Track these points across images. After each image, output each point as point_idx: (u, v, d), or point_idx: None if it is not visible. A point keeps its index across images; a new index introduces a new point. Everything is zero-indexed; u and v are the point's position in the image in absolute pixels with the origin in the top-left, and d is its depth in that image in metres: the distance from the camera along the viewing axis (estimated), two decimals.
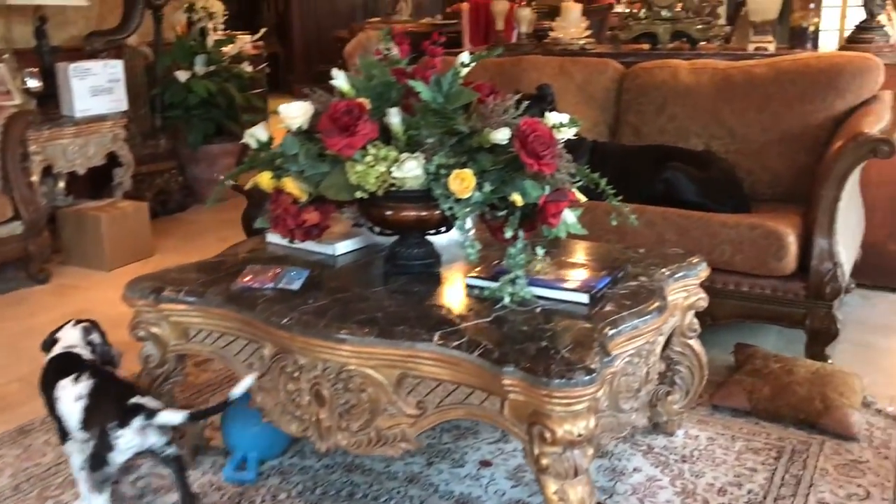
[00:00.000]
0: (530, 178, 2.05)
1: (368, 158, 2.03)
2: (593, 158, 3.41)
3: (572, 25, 4.21)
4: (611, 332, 1.84)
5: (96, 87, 4.60)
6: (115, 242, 4.33)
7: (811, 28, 3.80)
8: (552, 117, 2.14)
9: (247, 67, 5.89)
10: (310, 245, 2.40)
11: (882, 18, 7.01)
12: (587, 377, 1.63)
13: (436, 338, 1.80)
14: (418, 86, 2.02)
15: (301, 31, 12.53)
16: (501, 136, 1.99)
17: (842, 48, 3.71)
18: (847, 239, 2.99)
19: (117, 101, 4.69)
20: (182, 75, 5.33)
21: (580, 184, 2.16)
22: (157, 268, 2.49)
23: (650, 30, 4.09)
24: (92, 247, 4.31)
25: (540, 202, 2.04)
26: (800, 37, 3.84)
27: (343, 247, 2.44)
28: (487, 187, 2.04)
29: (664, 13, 4.05)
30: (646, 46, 4.25)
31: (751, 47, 3.87)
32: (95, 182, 4.92)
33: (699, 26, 4.02)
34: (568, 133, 2.14)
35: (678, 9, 4.09)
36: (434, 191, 2.03)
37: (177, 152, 5.66)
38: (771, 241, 2.82)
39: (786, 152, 3.32)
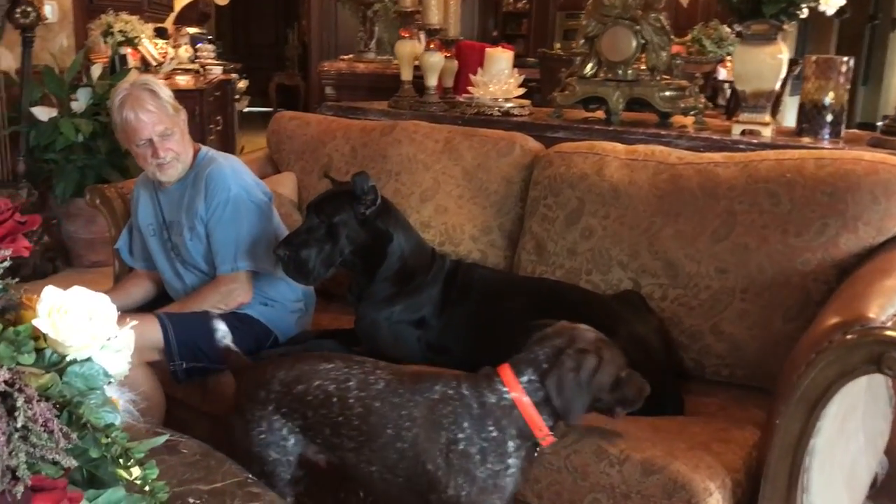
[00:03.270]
0: None
1: None
2: (449, 288, 2.17)
3: (495, 81, 2.99)
4: None
5: None
6: None
7: (832, 106, 2.51)
8: None
9: None
10: None
11: None
12: None
13: None
14: None
15: (318, 63, 11.54)
16: None
17: (870, 143, 2.38)
18: (837, 494, 1.68)
19: None
20: (42, 112, 4.29)
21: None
22: None
23: (599, 93, 2.84)
24: None
25: None
26: (814, 119, 2.55)
27: None
28: None
29: (619, 72, 2.79)
30: (599, 115, 3.00)
31: (736, 130, 2.58)
32: None
33: (666, 93, 2.74)
34: None
35: (642, 67, 2.83)
36: None
37: (48, 205, 4.61)
38: (676, 501, 1.53)
39: (754, 311, 2.01)
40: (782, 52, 2.53)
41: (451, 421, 1.52)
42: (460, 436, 1.50)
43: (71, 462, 0.89)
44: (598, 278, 2.23)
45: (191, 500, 1.32)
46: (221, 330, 1.86)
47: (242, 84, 8.70)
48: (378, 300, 2.13)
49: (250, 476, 1.41)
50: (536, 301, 2.07)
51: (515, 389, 1.51)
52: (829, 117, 2.52)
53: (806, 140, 2.50)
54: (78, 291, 0.92)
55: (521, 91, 3.08)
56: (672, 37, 2.72)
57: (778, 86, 2.58)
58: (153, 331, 2.12)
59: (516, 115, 3.00)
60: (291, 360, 1.75)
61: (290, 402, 1.67)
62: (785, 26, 2.50)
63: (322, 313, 2.55)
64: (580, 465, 1.65)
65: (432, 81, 3.19)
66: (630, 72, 2.81)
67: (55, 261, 4.56)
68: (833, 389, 1.47)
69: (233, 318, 2.25)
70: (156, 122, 2.20)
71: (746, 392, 2.00)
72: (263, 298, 2.33)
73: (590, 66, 2.86)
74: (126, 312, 2.25)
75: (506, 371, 1.55)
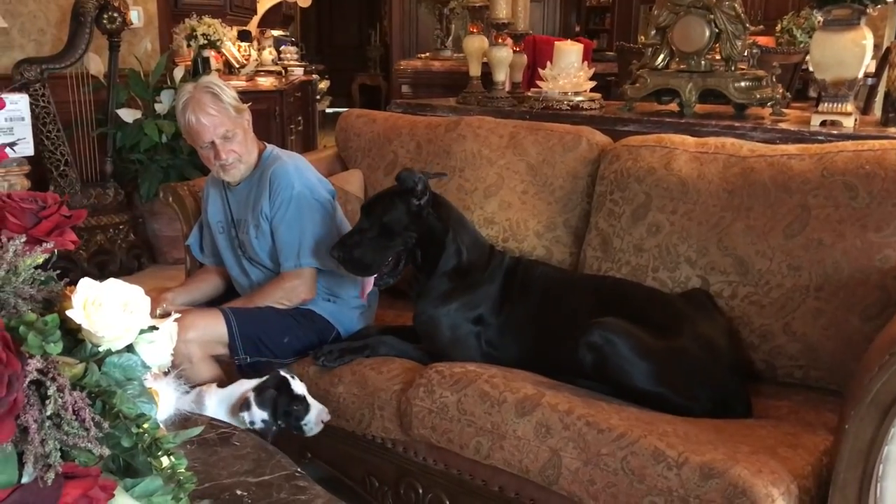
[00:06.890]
0: None
1: None
2: (509, 285, 2.15)
3: (564, 75, 2.93)
4: None
5: None
6: None
7: None
8: None
9: None
10: None
11: None
12: None
13: None
14: None
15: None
16: None
17: None
18: None
19: (17, 144, 3.82)
20: (127, 114, 4.44)
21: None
22: None
23: (671, 85, 2.76)
24: None
25: None
26: None
27: None
28: None
29: (692, 63, 2.70)
30: (673, 108, 2.92)
31: (816, 121, 2.46)
32: None
33: (741, 84, 2.64)
34: None
35: (717, 58, 2.73)
36: None
37: (134, 204, 4.78)
38: None
39: (829, 310, 1.92)
40: (866, 38, 2.40)
41: None
42: None
43: (103, 450, 0.90)
44: (665, 275, 2.17)
45: (238, 492, 1.34)
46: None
47: (323, 84, 8.83)
48: (435, 297, 2.12)
49: (298, 469, 1.42)
50: (599, 299, 2.02)
51: None
52: None
53: (892, 130, 2.37)
54: (112, 283, 0.94)
55: (591, 84, 3.02)
56: (748, 25, 2.62)
57: (862, 73, 2.45)
58: (218, 325, 2.16)
59: (586, 109, 2.94)
60: None
61: None
62: (869, 10, 2.37)
63: (387, 309, 2.55)
64: (637, 467, 1.60)
65: (500, 76, 3.16)
66: (703, 62, 2.72)
67: (140, 258, 4.73)
68: None
69: (296, 314, 2.28)
70: (217, 125, 2.23)
71: (821, 395, 1.91)
72: (327, 294, 2.35)
73: (661, 57, 2.78)
74: (193, 307, 2.33)
75: None
